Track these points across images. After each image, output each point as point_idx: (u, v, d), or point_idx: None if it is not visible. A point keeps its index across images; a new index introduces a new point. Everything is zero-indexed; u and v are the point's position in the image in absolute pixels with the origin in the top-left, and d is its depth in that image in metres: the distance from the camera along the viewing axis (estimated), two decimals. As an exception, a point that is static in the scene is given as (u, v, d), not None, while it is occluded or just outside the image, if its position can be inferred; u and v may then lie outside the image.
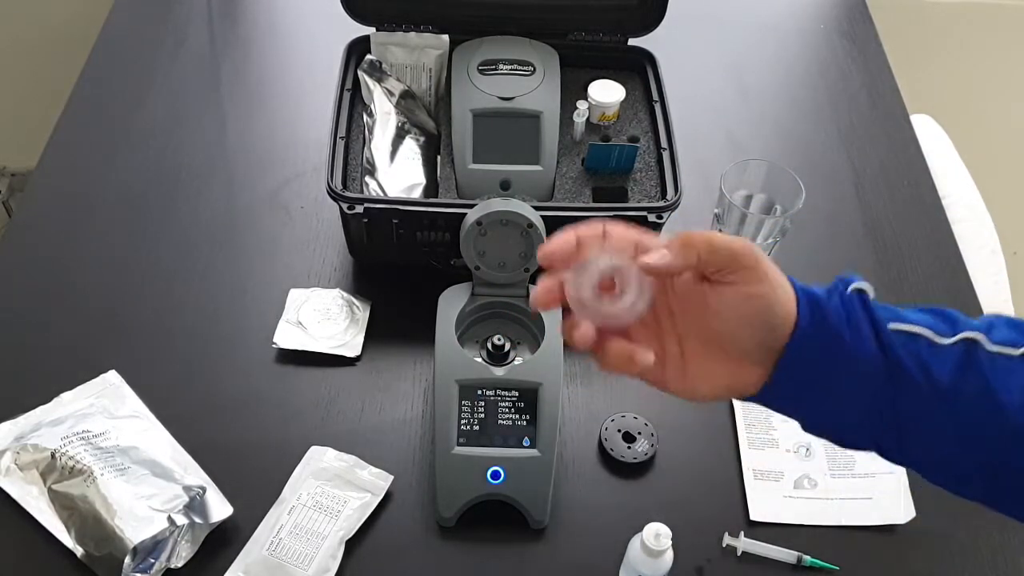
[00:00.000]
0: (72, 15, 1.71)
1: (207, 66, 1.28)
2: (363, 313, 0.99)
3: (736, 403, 0.94)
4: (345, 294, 1.00)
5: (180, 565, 0.78)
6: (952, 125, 1.35)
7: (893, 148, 1.24)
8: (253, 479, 0.85)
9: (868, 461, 0.91)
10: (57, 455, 0.82)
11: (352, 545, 0.81)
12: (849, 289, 0.51)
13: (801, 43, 1.41)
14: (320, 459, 0.86)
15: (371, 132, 1.03)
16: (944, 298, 1.05)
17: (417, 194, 1.00)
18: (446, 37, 1.07)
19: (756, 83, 1.33)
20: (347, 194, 0.93)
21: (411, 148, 1.04)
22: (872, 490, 0.89)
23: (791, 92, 1.32)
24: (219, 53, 1.30)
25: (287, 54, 1.32)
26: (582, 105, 1.06)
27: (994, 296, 1.15)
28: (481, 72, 1.02)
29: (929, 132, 1.31)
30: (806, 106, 1.30)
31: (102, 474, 0.80)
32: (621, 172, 1.03)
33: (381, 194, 0.98)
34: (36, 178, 1.12)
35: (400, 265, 1.01)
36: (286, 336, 0.96)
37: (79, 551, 0.78)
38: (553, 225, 0.86)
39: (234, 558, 0.79)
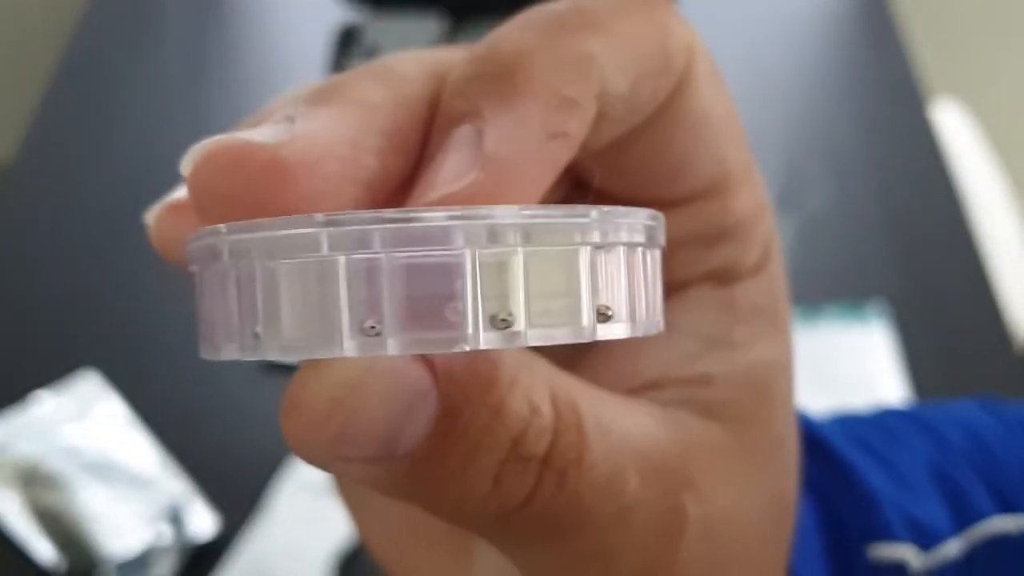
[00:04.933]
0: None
1: (195, 55, 1.24)
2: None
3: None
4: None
5: (162, 580, 0.75)
6: (981, 110, 1.30)
7: (914, 138, 1.19)
8: (240, 490, 0.81)
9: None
10: (35, 463, 0.79)
11: (343, 559, 0.78)
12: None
13: (817, 30, 1.37)
14: (310, 470, 0.82)
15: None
16: (968, 300, 1.00)
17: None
18: (444, 21, 1.04)
19: (774, 69, 1.27)
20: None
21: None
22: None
23: (808, 78, 1.27)
24: (207, 38, 1.27)
25: (277, 42, 1.28)
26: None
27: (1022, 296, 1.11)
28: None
29: (954, 118, 1.26)
30: (823, 96, 1.25)
31: (82, 483, 0.77)
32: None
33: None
34: (15, 173, 1.09)
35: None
36: (276, 337, 0.92)
37: (58, 564, 0.75)
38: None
39: (219, 571, 0.76)
